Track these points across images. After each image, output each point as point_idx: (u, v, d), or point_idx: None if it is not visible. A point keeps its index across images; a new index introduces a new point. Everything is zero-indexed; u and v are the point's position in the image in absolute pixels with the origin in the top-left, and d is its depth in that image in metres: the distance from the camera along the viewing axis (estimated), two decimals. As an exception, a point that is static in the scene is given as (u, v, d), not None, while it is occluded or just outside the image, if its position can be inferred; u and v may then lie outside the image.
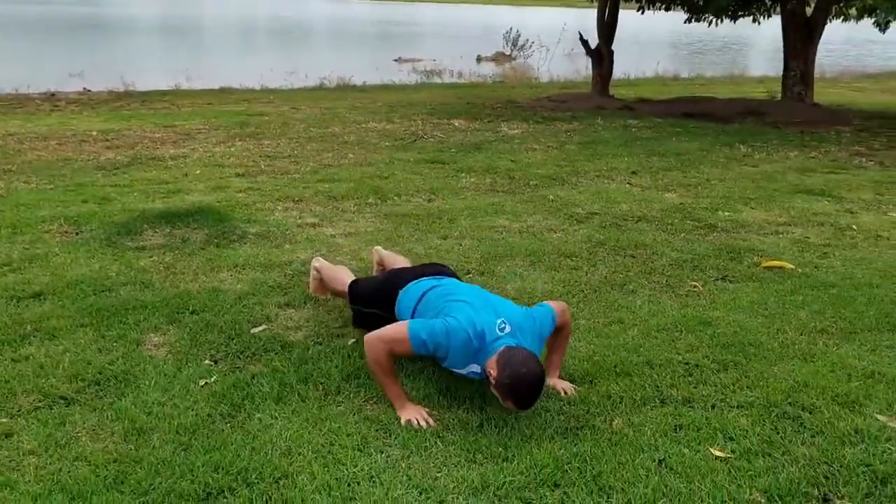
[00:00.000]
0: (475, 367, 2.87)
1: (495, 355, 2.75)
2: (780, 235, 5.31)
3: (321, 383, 3.08)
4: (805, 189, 6.66)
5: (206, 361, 3.27)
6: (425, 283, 3.25)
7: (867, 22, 14.21)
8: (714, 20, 13.67)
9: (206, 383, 3.07)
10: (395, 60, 24.47)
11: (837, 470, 2.51)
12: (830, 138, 9.34)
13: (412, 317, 3.11)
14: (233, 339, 3.47)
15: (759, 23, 14.50)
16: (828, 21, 12.59)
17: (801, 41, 11.97)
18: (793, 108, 11.54)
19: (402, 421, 2.81)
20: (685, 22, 15.03)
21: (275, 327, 3.62)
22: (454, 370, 2.94)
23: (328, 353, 3.34)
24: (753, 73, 21.52)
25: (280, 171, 6.85)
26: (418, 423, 2.80)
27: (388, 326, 2.97)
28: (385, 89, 16.37)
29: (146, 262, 4.41)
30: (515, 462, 2.54)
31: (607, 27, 13.41)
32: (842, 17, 14.33)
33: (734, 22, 14.62)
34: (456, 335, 2.81)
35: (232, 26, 37.80)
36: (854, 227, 5.54)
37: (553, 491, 2.41)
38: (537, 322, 2.94)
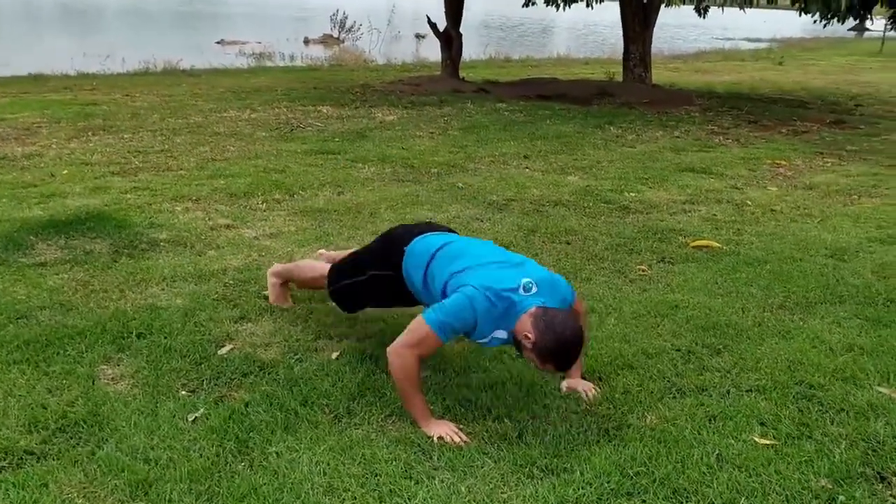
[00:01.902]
0: (500, 334, 2.67)
1: (528, 317, 2.57)
2: (689, 214, 5.52)
3: (326, 405, 2.80)
4: (687, 167, 6.97)
5: (182, 392, 2.88)
6: (435, 238, 3.00)
7: (688, 8, 15.19)
8: (561, 5, 14.04)
9: (195, 418, 2.71)
10: (218, 43, 23.31)
11: (877, 446, 2.60)
12: (684, 118, 9.88)
13: (424, 275, 2.88)
14: (200, 364, 3.09)
15: (592, 7, 15.08)
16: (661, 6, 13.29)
17: (639, 25, 12.57)
18: (637, 89, 12.10)
19: (435, 438, 2.61)
20: (524, 6, 15.39)
21: (241, 346, 3.26)
22: (477, 341, 2.75)
23: (315, 370, 3.06)
24: (576, 55, 22.43)
25: (160, 168, 6.26)
26: (451, 439, 2.61)
27: (405, 332, 2.70)
28: (220, 73, 15.52)
29: (55, 280, 3.85)
30: (577, 473, 2.42)
31: (454, 9, 13.41)
32: (665, 2, 15.21)
33: (569, 7, 15.14)
34: (479, 304, 2.59)
35: (14, 6, 34.29)
36: (749, 202, 5.87)
37: (630, 500, 2.31)
38: (561, 286, 2.79)
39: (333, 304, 3.42)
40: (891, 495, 2.36)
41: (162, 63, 16.29)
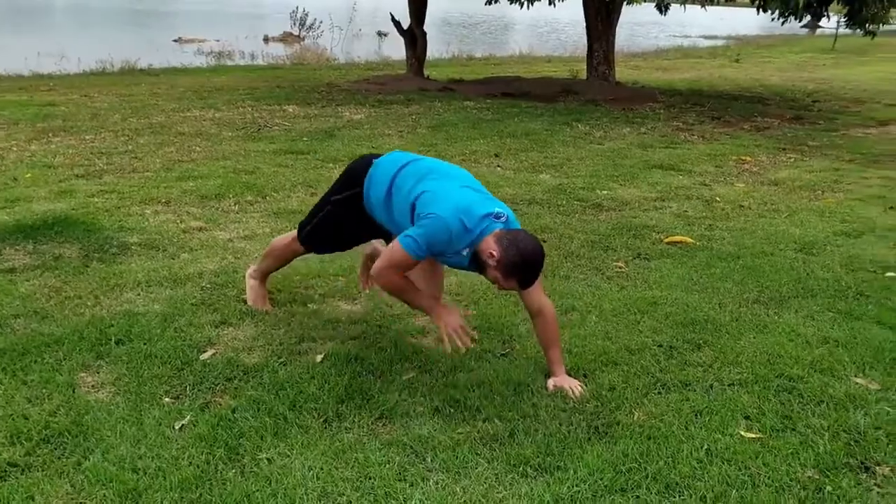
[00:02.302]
0: (463, 251, 2.78)
1: (491, 236, 2.72)
2: (661, 211, 5.58)
3: (315, 409, 2.78)
4: (656, 164, 7.06)
5: (166, 399, 2.84)
6: (404, 155, 3.10)
7: (648, 6, 15.35)
8: (525, 3, 14.08)
9: (182, 426, 2.67)
10: (176, 41, 23.00)
11: (858, 437, 2.66)
12: (650, 115, 9.99)
13: (389, 188, 2.94)
14: (182, 370, 3.04)
15: (554, 5, 15.16)
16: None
17: (601, 23, 12.67)
18: (601, 86, 12.21)
19: (441, 332, 2.79)
20: (486, 3, 15.41)
21: (223, 350, 3.22)
22: (451, 257, 2.86)
23: (301, 373, 3.03)
24: (539, 53, 22.54)
25: (126, 170, 6.15)
26: (454, 338, 2.78)
27: (384, 255, 2.85)
28: (179, 72, 15.33)
29: (27, 287, 3.76)
30: (570, 471, 2.44)
31: (418, 7, 13.39)
32: (627, 0, 15.36)
33: (532, 5, 15.20)
34: (454, 228, 2.71)
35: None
36: (718, 198, 5.95)
37: (624, 496, 2.33)
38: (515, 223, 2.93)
39: (308, 249, 3.43)
40: (875, 484, 2.42)
41: (119, 62, 16.02)
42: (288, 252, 3.53)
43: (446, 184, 2.90)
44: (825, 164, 7.45)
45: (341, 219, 3.24)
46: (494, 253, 2.70)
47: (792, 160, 7.59)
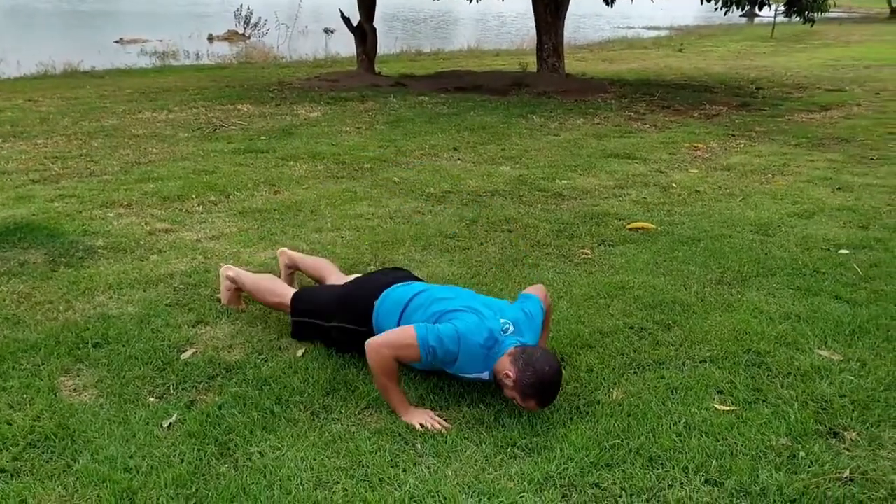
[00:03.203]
0: (484, 374, 2.75)
1: (506, 357, 2.66)
2: (621, 198, 5.71)
3: (301, 403, 2.81)
4: (612, 153, 7.20)
5: (151, 399, 2.84)
6: (408, 287, 3.04)
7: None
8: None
9: (170, 424, 2.68)
10: (118, 42, 22.60)
11: (825, 405, 2.79)
12: (602, 105, 10.15)
13: (398, 324, 2.91)
14: (164, 370, 3.05)
15: (503, -1, 15.31)
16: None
17: (550, 15, 12.82)
18: (551, 79, 12.36)
19: (416, 426, 2.66)
20: (434, -1, 15.46)
21: (203, 349, 3.23)
22: (461, 374, 2.81)
23: (284, 368, 3.05)
24: (486, 47, 22.66)
25: (84, 174, 6.06)
26: (433, 426, 2.66)
27: (392, 332, 2.77)
28: (124, 74, 15.12)
29: (-6, 293, 3.71)
30: (557, 450, 2.52)
31: (367, 3, 13.36)
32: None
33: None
34: (467, 341, 2.68)
35: None
36: (674, 185, 6.11)
37: (611, 471, 2.42)
38: (532, 317, 2.89)
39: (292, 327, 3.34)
40: (844, 448, 2.55)
41: (61, 65, 15.71)
42: (271, 304, 3.43)
43: (455, 307, 2.84)
44: (773, 148, 7.68)
45: (337, 341, 3.15)
46: (510, 374, 2.62)
47: (742, 146, 7.81)
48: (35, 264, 4.11)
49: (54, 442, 2.56)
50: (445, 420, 2.71)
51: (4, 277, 3.92)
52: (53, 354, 3.12)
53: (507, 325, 2.78)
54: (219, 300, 3.67)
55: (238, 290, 3.60)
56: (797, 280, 4.03)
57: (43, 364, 3.05)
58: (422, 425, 2.66)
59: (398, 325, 2.91)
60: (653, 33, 30.05)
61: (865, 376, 2.99)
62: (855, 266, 4.21)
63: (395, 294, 3.03)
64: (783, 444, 2.54)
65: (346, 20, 13.22)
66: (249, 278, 3.54)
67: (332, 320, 3.14)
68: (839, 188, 6.02)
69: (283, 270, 3.81)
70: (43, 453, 2.51)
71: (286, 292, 3.36)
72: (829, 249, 4.54)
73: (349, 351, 3.13)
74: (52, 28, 26.90)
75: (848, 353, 3.19)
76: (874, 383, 2.93)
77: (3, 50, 17.56)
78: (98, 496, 2.30)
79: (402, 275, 3.27)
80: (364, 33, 13.30)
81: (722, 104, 10.51)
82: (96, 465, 2.43)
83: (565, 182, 6.09)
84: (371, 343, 2.72)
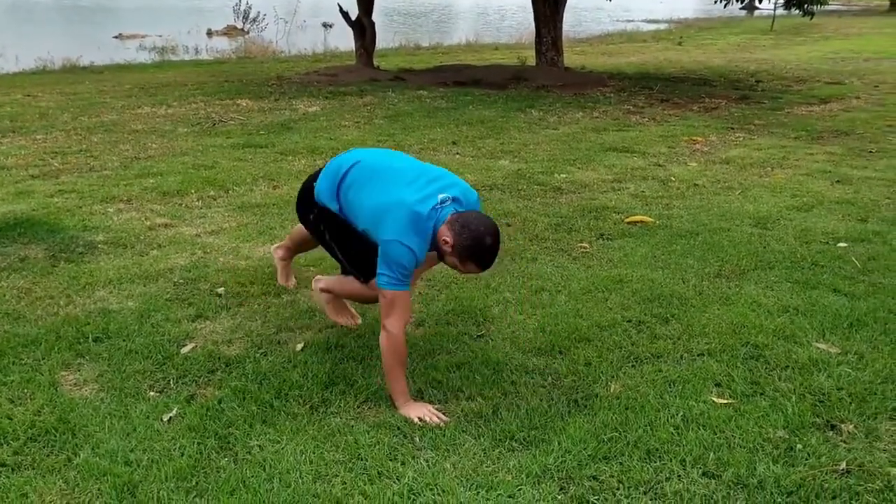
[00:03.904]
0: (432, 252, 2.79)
1: (445, 225, 2.69)
2: (619, 192, 5.71)
3: (300, 397, 2.83)
4: (611, 147, 7.20)
5: (151, 393, 2.86)
6: (339, 160, 3.06)
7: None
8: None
9: (170, 418, 2.69)
10: (117, 37, 22.58)
11: (823, 397, 2.80)
12: (601, 99, 10.15)
13: (337, 195, 2.94)
14: (164, 364, 3.06)
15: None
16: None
17: (549, 9, 12.79)
18: (550, 72, 12.34)
19: (414, 419, 2.67)
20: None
21: (203, 344, 3.24)
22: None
23: (283, 363, 3.07)
24: (484, 41, 22.63)
25: (83, 169, 6.07)
26: (431, 419, 2.68)
27: (381, 308, 2.76)
28: (123, 69, 15.08)
29: (-5, 289, 3.72)
30: (555, 443, 2.53)
31: (366, -2, 13.33)
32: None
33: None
34: (415, 245, 2.68)
35: None
36: (673, 178, 6.11)
37: (609, 464, 2.43)
38: (471, 192, 2.90)
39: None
40: (842, 440, 2.56)
41: (60, 60, 15.70)
42: (364, 298, 3.23)
43: (390, 195, 2.79)
44: (772, 141, 7.68)
45: (344, 230, 3.07)
46: (448, 239, 2.67)
47: (741, 139, 7.81)
48: (35, 259, 4.12)
49: (55, 436, 2.57)
50: (444, 413, 2.72)
51: (5, 273, 3.93)
52: (54, 349, 3.13)
53: (446, 198, 2.76)
54: (218, 294, 3.68)
55: (337, 299, 3.36)
56: (795, 273, 4.04)
57: (44, 359, 3.06)
58: (420, 419, 2.67)
59: (336, 196, 2.95)
60: (652, 27, 29.98)
61: (863, 369, 3.00)
62: (853, 259, 4.22)
63: (330, 167, 3.05)
64: (780, 437, 2.56)
65: (345, 14, 13.19)
66: (335, 285, 3.32)
67: (310, 226, 3.22)
68: (838, 181, 6.02)
69: (280, 264, 3.80)
70: (44, 447, 2.52)
71: (360, 282, 3.15)
72: (827, 242, 4.54)
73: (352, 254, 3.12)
74: (51, 23, 26.83)
75: (846, 345, 3.21)
76: (871, 376, 2.94)
77: (3, 45, 17.55)
78: (99, 489, 2.31)
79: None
80: (363, 27, 13.27)
81: (721, 97, 10.50)
82: (97, 458, 2.45)
83: (564, 176, 6.09)
84: (383, 326, 2.73)
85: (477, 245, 2.66)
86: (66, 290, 3.72)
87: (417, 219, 2.70)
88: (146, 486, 2.33)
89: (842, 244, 4.50)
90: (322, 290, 3.33)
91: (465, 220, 2.67)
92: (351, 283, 3.18)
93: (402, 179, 2.86)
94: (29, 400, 2.78)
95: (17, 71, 14.92)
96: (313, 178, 3.15)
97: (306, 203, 3.16)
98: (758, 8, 32.36)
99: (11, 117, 8.52)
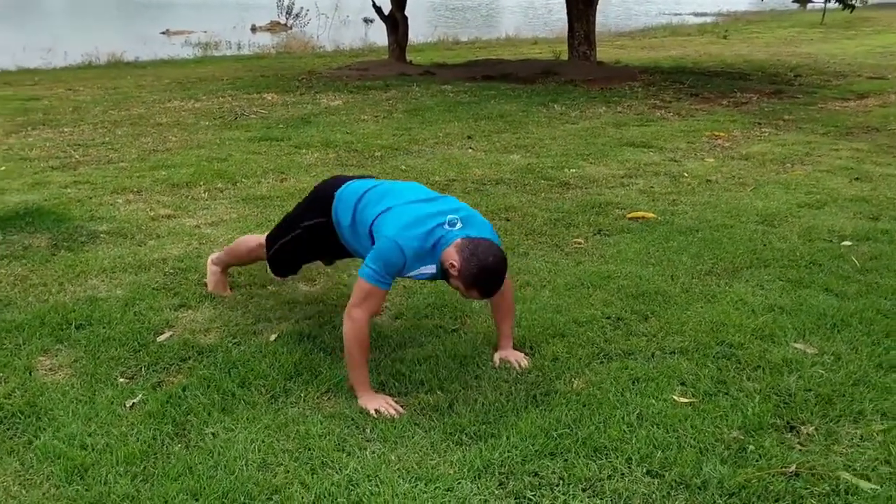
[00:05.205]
0: (428, 269, 2.80)
1: (452, 247, 2.71)
2: (627, 187, 5.64)
3: (263, 386, 2.87)
4: (628, 142, 7.11)
5: (121, 380, 2.92)
6: (363, 182, 3.13)
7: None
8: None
9: (133, 404, 2.75)
10: (163, 33, 23.07)
11: (788, 398, 2.74)
12: (627, 94, 10.02)
13: (353, 217, 2.99)
14: (139, 352, 3.13)
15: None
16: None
17: (582, 3, 12.68)
18: (581, 66, 12.24)
19: (371, 410, 2.69)
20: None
21: (180, 332, 3.30)
22: (406, 275, 2.86)
23: (253, 352, 3.11)
24: (525, 35, 22.50)
25: (101, 161, 6.22)
26: (388, 411, 2.69)
27: (354, 292, 2.81)
28: (165, 65, 15.39)
29: (-8, 276, 3.84)
30: (504, 437, 2.52)
31: (399, -7, 13.38)
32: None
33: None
34: (406, 247, 2.72)
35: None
36: (685, 174, 6.02)
37: (553, 460, 2.41)
38: (485, 227, 2.90)
39: (270, 272, 3.49)
40: (798, 443, 2.50)
41: (106, 56, 16.08)
42: (252, 256, 3.55)
43: (399, 200, 2.91)
44: (798, 137, 7.50)
45: (311, 244, 3.24)
46: (455, 263, 2.68)
47: (766, 134, 7.64)
48: (38, 248, 4.24)
49: (20, 419, 2.65)
50: (403, 406, 2.73)
51: (6, 260, 4.06)
52: (36, 335, 3.22)
53: (456, 221, 2.79)
54: (205, 285, 3.74)
55: (224, 271, 3.68)
56: (790, 272, 3.94)
57: (24, 344, 3.15)
58: (377, 411, 2.69)
59: (352, 217, 2.99)
60: (699, 20, 29.48)
61: (837, 370, 2.93)
62: (853, 258, 4.11)
63: (354, 186, 3.11)
64: (734, 438, 2.51)
65: (378, 9, 13.28)
66: (226, 251, 3.66)
67: (299, 224, 3.23)
68: (857, 178, 5.86)
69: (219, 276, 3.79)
70: (8, 429, 2.60)
71: (259, 237, 3.47)
72: (831, 241, 4.43)
73: (322, 256, 3.37)
74: (103, 19, 27.53)
75: (824, 346, 3.13)
76: (844, 377, 2.87)
77: (53, 40, 18.07)
78: (51, 472, 2.38)
79: (361, 176, 3.35)
80: (395, 22, 13.33)
81: (754, 92, 10.29)
82: (56, 441, 2.52)
83: (574, 171, 6.04)
84: (347, 310, 2.79)
85: (483, 274, 2.66)
86: (59, 278, 3.83)
87: (420, 225, 2.75)
88: (96, 469, 2.38)
89: (846, 243, 4.38)
90: (212, 262, 3.66)
91: (474, 248, 2.68)
92: (240, 242, 3.55)
93: (419, 196, 2.97)
94: (2, 383, 2.87)
95: (64, 66, 15.33)
96: (334, 186, 3.17)
97: (319, 208, 3.18)
98: (811, 1, 31.56)
99: (46, 110, 8.77)
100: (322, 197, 3.19)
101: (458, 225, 2.78)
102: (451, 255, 2.69)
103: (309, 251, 3.30)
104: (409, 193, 2.99)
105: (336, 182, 3.21)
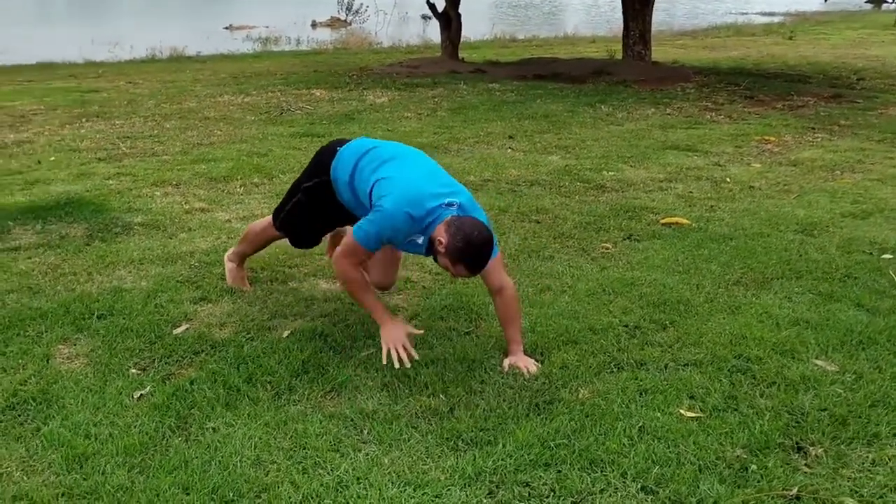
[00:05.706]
0: (418, 239, 2.87)
1: (442, 224, 2.78)
2: (666, 192, 5.53)
3: (269, 382, 2.89)
4: (672, 145, 6.97)
5: (133, 371, 2.98)
6: (368, 140, 3.20)
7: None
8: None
9: (141, 395, 2.81)
10: (226, 28, 23.51)
11: (800, 418, 2.64)
12: (678, 95, 9.82)
13: (352, 173, 3.05)
14: (154, 344, 3.19)
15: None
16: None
17: (639, 2, 12.46)
18: (635, 66, 12.03)
19: (383, 350, 2.83)
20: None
21: (197, 326, 3.35)
22: (408, 249, 2.97)
23: (265, 348, 3.14)
24: (583, 33, 22.26)
25: (146, 153, 6.36)
26: (396, 355, 2.81)
27: (341, 244, 2.96)
28: (224, 59, 15.67)
29: (26, 264, 3.96)
30: (500, 445, 2.49)
31: (454, -10, 13.35)
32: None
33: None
34: (399, 220, 2.80)
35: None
36: (728, 179, 5.86)
37: (547, 471, 2.38)
38: (481, 211, 2.97)
39: (288, 242, 3.56)
40: (805, 464, 2.41)
41: (168, 50, 16.47)
42: (263, 237, 3.63)
43: (403, 171, 2.96)
44: (852, 143, 7.24)
45: (312, 206, 3.32)
46: (442, 240, 2.75)
47: (819, 140, 7.40)
48: (74, 238, 4.36)
49: (32, 406, 2.73)
50: (399, 409, 2.71)
51: (41, 249, 4.18)
52: (59, 323, 3.31)
53: (453, 203, 2.85)
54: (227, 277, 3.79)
55: (241, 265, 3.73)
56: (822, 285, 3.81)
57: (46, 332, 3.24)
58: (388, 350, 2.83)
59: (351, 174, 3.06)
60: (766, 19, 28.73)
61: (856, 390, 2.81)
62: (891, 272, 3.94)
63: (356, 144, 3.19)
64: (737, 456, 2.43)
65: (432, 6, 13.27)
66: (238, 243, 3.75)
67: (299, 188, 3.34)
68: (909, 188, 5.63)
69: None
70: (19, 416, 2.68)
71: (266, 218, 3.60)
72: (871, 253, 4.26)
73: (331, 221, 3.42)
74: (169, 13, 28.19)
75: (847, 364, 3.01)
76: (862, 398, 2.75)
77: (120, 34, 18.59)
78: (53, 460, 2.44)
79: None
80: (448, 19, 13.31)
81: (811, 95, 9.96)
82: (62, 429, 2.58)
83: (612, 174, 5.94)
84: (333, 258, 2.96)
85: (468, 247, 2.73)
86: (89, 268, 3.93)
87: (420, 206, 2.81)
88: (96, 459, 2.44)
89: (886, 256, 4.21)
90: (228, 258, 3.74)
91: (460, 223, 2.77)
92: (253, 228, 3.62)
93: (422, 169, 3.03)
94: (20, 370, 2.95)
95: (128, 59, 15.74)
96: (336, 145, 3.26)
97: (318, 168, 3.28)
98: (886, 2, 30.46)
99: (101, 103, 9.02)
100: (323, 159, 3.26)
101: (455, 206, 2.85)
102: (440, 232, 2.78)
103: (312, 215, 3.35)
104: (413, 165, 3.03)
105: (338, 142, 3.29)
